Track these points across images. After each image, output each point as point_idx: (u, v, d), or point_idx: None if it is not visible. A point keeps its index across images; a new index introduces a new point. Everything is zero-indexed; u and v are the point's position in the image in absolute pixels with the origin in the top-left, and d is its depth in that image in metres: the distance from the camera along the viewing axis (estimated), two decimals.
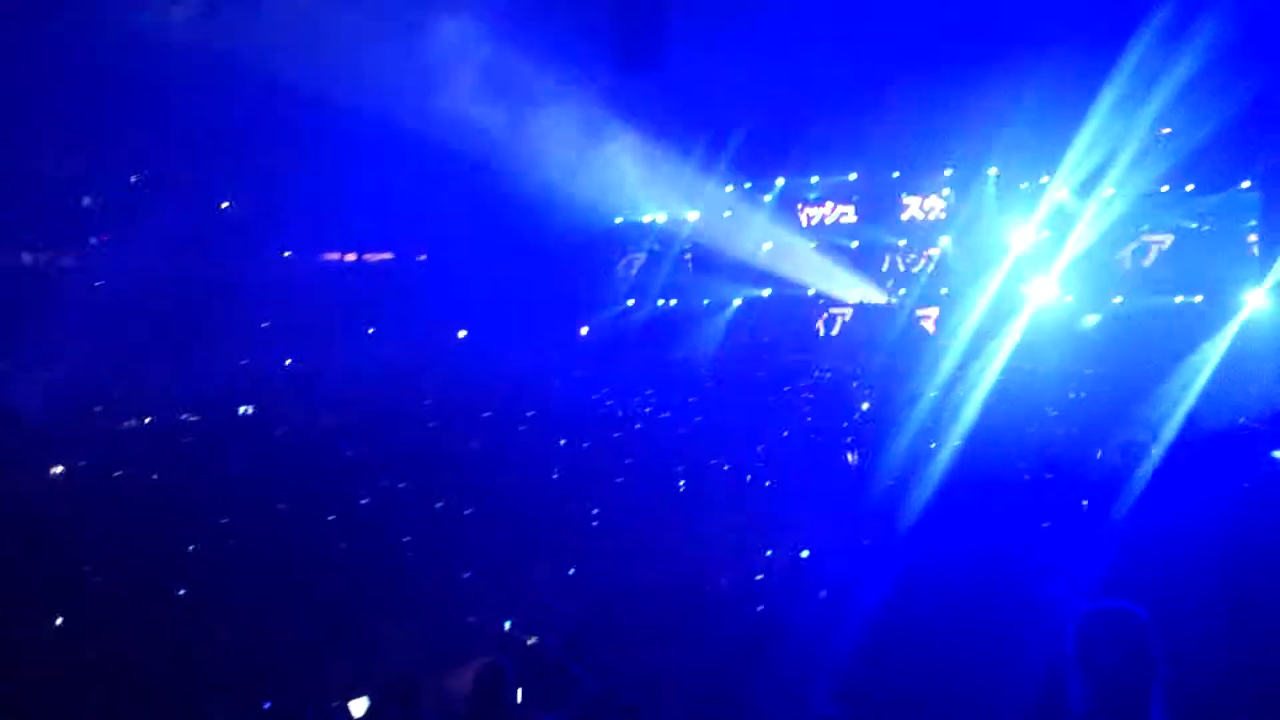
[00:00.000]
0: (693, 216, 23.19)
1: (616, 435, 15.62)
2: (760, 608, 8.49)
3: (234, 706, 7.68)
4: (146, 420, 16.75)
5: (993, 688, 5.83)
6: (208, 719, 7.65)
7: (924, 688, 6.27)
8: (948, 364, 17.68)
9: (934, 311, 21.41)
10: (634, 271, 23.99)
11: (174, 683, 7.88)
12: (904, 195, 21.98)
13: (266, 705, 7.54)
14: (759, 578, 9.45)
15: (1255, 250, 18.33)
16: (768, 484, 12.76)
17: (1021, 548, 8.12)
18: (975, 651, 6.40)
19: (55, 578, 9.54)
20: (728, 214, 22.97)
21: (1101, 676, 3.40)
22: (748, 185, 23.02)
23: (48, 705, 7.42)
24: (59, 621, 8.98)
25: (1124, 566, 6.95)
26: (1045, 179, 19.48)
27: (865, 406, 17.16)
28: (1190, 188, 19.22)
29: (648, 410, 17.47)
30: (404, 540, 11.18)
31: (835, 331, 22.33)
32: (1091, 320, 19.72)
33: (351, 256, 22.61)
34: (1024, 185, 20.37)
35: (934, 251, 21.75)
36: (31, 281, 18.59)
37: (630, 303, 23.70)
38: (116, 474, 13.39)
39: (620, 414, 17.30)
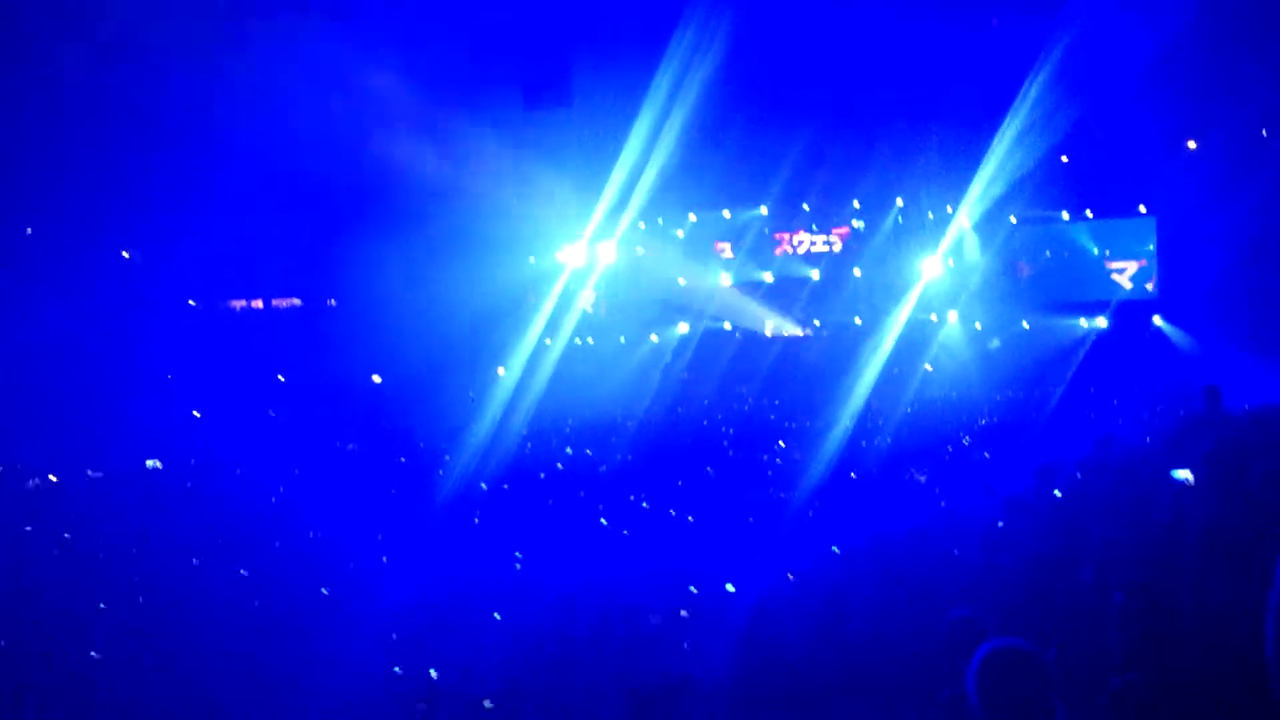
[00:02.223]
0: (606, 253, 23.24)
1: (541, 476, 15.48)
2: (686, 645, 8.44)
3: None
4: (50, 478, 16.15)
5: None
6: None
7: None
8: (861, 393, 17.98)
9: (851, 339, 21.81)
10: (548, 309, 23.90)
11: None
12: (814, 228, 22.40)
13: None
14: (683, 614, 9.39)
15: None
16: (690, 519, 12.71)
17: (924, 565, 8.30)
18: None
19: None
20: (640, 250, 23.07)
21: (1000, 715, 3.39)
22: (660, 221, 23.17)
23: None
24: None
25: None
26: (950, 209, 20.05)
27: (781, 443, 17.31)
28: (1089, 213, 20.06)
29: (568, 450, 17.37)
30: (321, 591, 10.88)
31: (754, 363, 22.54)
32: (994, 344, 20.48)
33: (258, 303, 22.19)
34: (930, 215, 20.94)
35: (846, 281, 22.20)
36: None
37: (548, 341, 23.59)
38: (18, 533, 12.86)
39: (539, 454, 17.18)
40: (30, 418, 16.84)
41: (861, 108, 18.26)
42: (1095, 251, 20.49)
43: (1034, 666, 3.36)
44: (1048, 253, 21.10)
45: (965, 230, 20.54)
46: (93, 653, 9.39)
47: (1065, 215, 20.66)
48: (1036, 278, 21.01)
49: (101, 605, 10.56)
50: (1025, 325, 20.56)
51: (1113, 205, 20.20)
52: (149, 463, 17.11)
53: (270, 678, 8.66)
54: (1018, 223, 20.85)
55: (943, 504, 10.73)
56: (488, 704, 7.62)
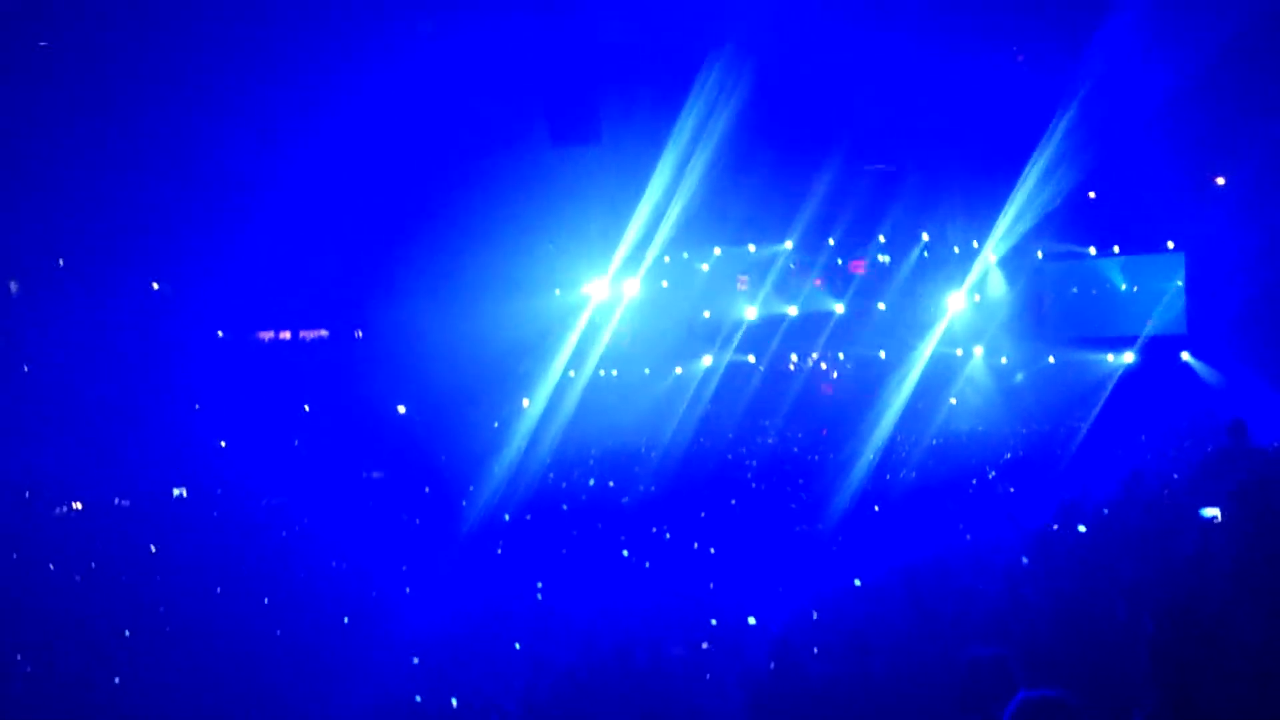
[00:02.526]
0: (631, 287, 23.30)
1: (564, 507, 15.50)
2: (707, 676, 8.41)
3: None
4: (77, 506, 16.31)
5: None
6: None
7: None
8: (886, 426, 17.94)
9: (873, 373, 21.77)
10: (573, 341, 23.94)
11: None
12: (840, 260, 22.41)
13: None
14: (704, 646, 9.36)
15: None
16: (712, 551, 12.69)
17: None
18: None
19: None
20: (665, 284, 23.14)
21: None
22: (685, 255, 23.23)
23: None
24: None
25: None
26: (975, 244, 20.04)
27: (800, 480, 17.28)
28: (1117, 249, 20.00)
29: (590, 481, 17.38)
30: (344, 619, 10.94)
31: (779, 395, 22.49)
32: (1019, 378, 20.42)
33: (286, 334, 22.37)
34: (955, 250, 20.92)
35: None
36: None
37: (571, 373, 23.62)
38: (50, 563, 13.01)
39: (564, 485, 17.21)
40: (59, 445, 17.01)
41: (887, 143, 18.31)
42: (1123, 287, 20.40)
43: (1068, 717, 3.35)
44: (1074, 288, 21.03)
45: (991, 265, 20.52)
46: (116, 679, 9.47)
47: (1092, 250, 20.61)
48: (1063, 312, 20.93)
49: (126, 633, 10.66)
50: (1051, 360, 20.44)
51: (1140, 241, 20.14)
52: (175, 491, 17.25)
53: (293, 702, 8.71)
54: (1044, 258, 20.82)
55: (968, 537, 10.66)
56: None
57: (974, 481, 14.44)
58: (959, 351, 20.70)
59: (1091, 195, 19.00)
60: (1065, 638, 6.32)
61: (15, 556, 13.26)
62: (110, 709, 8.96)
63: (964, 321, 20.73)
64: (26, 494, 16.40)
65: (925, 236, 21.26)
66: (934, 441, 17.20)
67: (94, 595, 11.48)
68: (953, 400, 19.85)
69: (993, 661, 4.72)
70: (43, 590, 11.80)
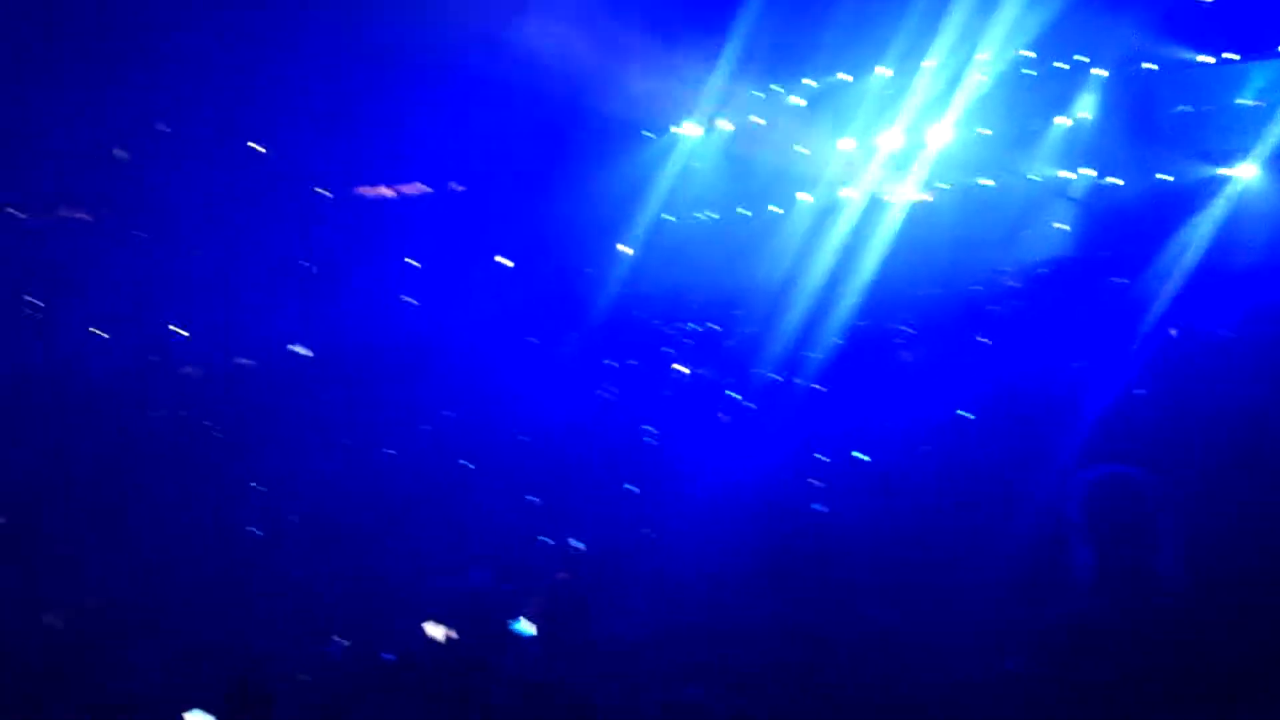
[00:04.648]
0: (725, 126, 22.90)
1: (682, 342, 15.60)
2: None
3: None
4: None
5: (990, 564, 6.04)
6: None
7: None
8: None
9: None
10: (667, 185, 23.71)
11: None
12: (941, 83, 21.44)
13: None
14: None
15: None
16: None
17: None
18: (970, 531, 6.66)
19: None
20: (759, 120, 22.66)
21: (1106, 542, 3.51)
22: (778, 88, 22.63)
23: None
24: None
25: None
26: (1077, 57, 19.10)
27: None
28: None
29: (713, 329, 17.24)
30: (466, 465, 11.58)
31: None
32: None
33: (387, 190, 22.58)
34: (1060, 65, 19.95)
35: None
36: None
37: (668, 216, 23.49)
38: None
39: (692, 334, 17.10)
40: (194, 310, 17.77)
41: None
42: (1243, 100, 19.16)
43: (1136, 489, 3.47)
44: (1187, 103, 19.84)
45: (1097, 79, 19.56)
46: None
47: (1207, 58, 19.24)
48: (1177, 128, 19.85)
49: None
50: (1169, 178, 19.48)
51: (1261, 45, 18.80)
52: None
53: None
54: (1158, 69, 19.62)
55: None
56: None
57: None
58: (1064, 174, 19.94)
59: None
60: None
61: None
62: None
63: (1069, 142, 19.94)
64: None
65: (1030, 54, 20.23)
66: (1044, 270, 16.75)
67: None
68: (1065, 226, 19.20)
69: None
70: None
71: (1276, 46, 18.56)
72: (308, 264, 20.39)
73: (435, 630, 6.99)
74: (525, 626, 6.58)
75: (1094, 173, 20.03)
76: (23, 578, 9.60)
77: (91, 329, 17.30)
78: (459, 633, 6.69)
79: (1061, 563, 3.79)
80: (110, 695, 7.23)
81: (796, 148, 22.49)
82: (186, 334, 17.88)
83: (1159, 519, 3.52)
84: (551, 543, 9.19)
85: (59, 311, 17.05)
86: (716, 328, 16.68)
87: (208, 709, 6.10)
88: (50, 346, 16.58)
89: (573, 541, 9.25)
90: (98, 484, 11.77)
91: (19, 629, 8.41)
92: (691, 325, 17.52)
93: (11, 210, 17.87)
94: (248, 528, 11.09)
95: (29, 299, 17.16)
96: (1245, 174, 18.37)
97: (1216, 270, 14.30)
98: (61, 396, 14.59)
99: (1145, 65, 19.59)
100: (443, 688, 5.88)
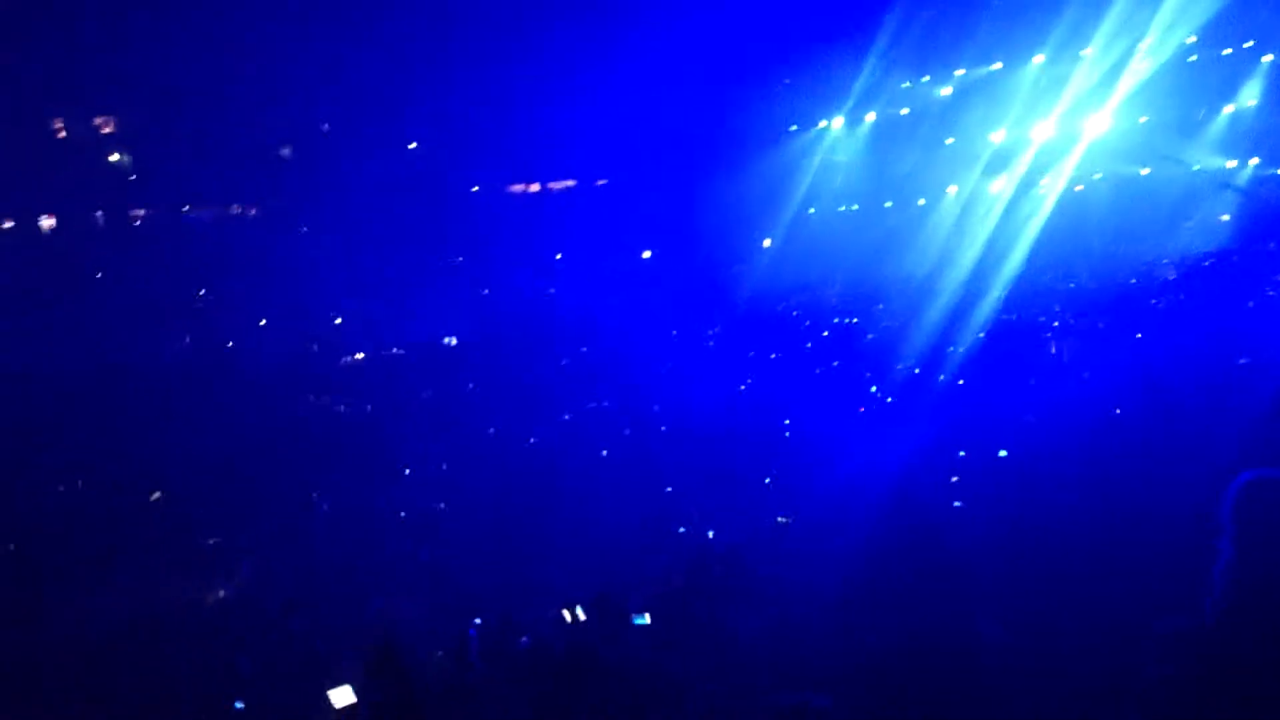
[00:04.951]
0: (870, 118, 22.58)
1: (821, 336, 15.55)
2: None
3: None
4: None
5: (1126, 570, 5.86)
6: None
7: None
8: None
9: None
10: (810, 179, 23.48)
11: None
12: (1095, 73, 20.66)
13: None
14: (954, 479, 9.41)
15: None
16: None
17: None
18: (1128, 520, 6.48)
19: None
20: (905, 111, 22.27)
21: (1254, 547, 3.39)
22: (925, 80, 22.18)
23: None
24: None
25: None
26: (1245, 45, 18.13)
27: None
28: None
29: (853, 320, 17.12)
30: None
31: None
32: None
33: (535, 187, 23.04)
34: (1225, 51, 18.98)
35: None
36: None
37: (811, 210, 23.33)
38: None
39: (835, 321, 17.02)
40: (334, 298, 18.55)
41: None
42: None
43: None
44: None
45: (1264, 65, 18.48)
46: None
47: None
48: None
49: None
50: None
51: None
52: None
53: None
54: None
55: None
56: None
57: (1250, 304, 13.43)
58: (1231, 164, 18.92)
59: None
60: None
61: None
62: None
63: (1234, 130, 18.93)
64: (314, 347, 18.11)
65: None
66: (1207, 264, 15.96)
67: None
68: (1227, 217, 18.23)
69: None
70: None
71: None
72: (461, 259, 20.96)
73: (565, 615, 7.21)
74: (645, 619, 6.71)
75: (1259, 161, 18.91)
76: (185, 551, 10.23)
77: (260, 321, 18.22)
78: (586, 622, 6.88)
79: (1204, 568, 3.68)
80: (264, 664, 7.67)
81: (946, 140, 22.00)
82: (339, 322, 18.67)
83: None
84: (683, 530, 9.32)
85: (225, 302, 18.01)
86: (856, 321, 16.54)
87: (351, 681, 6.43)
88: (216, 335, 17.53)
89: (708, 533, 9.37)
90: (258, 466, 12.41)
91: (182, 602, 8.98)
92: (835, 319, 17.44)
93: (186, 208, 19.02)
94: (398, 511, 11.53)
95: (200, 290, 18.21)
96: None
97: None
98: (227, 383, 15.40)
99: None
100: (559, 674, 6.04)
